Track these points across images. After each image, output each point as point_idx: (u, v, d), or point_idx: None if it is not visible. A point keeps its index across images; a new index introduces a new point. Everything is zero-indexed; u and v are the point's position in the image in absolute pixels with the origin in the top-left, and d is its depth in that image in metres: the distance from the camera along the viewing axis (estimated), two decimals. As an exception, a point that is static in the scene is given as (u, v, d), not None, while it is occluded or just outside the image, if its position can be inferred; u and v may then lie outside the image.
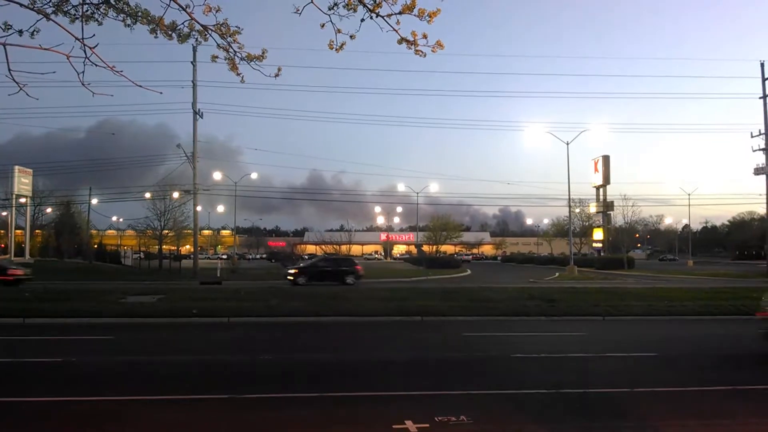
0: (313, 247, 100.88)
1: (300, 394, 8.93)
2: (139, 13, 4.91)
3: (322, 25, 4.92)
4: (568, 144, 49.46)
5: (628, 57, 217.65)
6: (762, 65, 47.96)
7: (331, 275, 34.43)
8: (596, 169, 76.90)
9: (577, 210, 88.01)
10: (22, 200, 64.06)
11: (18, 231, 69.17)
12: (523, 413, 7.97)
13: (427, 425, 7.16)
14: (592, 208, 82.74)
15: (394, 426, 7.13)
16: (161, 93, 6.19)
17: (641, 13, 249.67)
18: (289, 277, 34.52)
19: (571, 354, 12.70)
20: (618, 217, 77.16)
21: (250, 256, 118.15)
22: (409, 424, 7.16)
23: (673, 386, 9.64)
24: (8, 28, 4.54)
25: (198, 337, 15.28)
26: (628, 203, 72.34)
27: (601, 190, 77.98)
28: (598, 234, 77.97)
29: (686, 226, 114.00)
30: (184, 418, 7.77)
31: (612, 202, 76.47)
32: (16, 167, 60.54)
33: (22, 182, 61.02)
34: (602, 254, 75.17)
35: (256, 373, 10.70)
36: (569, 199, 54.81)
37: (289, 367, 11.18)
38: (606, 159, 75.74)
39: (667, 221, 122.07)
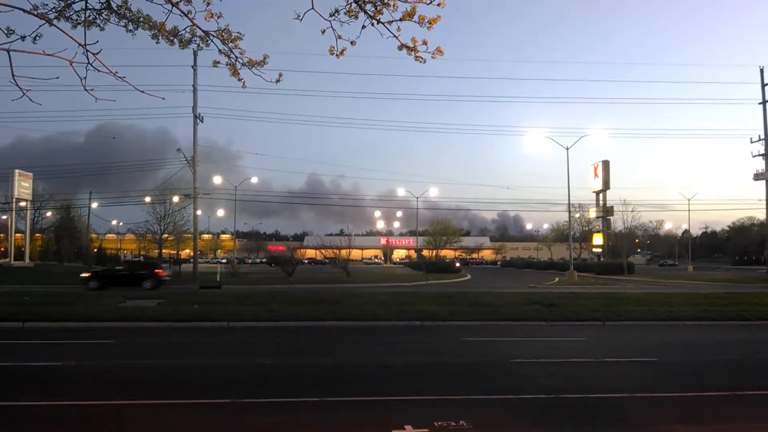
0: (313, 251, 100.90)
1: (300, 398, 8.93)
2: (141, 19, 4.94)
3: (323, 31, 4.94)
4: (567, 149, 49.51)
5: (628, 62, 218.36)
6: (762, 71, 48.10)
7: (127, 279, 33.25)
8: (596, 174, 76.92)
9: (577, 215, 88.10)
10: (22, 204, 64.05)
11: (18, 235, 69.14)
12: (522, 418, 7.98)
13: (427, 430, 7.16)
14: (592, 213, 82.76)
15: (393, 431, 7.13)
16: (164, 98, 6.21)
17: (641, 19, 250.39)
18: (82, 281, 33.62)
19: (570, 359, 12.70)
20: (618, 222, 77.09)
21: (250, 261, 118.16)
22: (408, 428, 7.16)
23: (672, 391, 9.65)
24: (11, 33, 4.57)
25: (198, 341, 15.27)
26: (628, 208, 72.28)
27: (600, 195, 78.02)
28: (597, 239, 77.95)
29: (686, 232, 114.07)
30: (185, 422, 7.78)
31: (612, 207, 76.49)
32: (17, 171, 60.54)
33: (23, 186, 61.05)
34: (602, 259, 75.11)
35: (256, 377, 10.70)
36: (569, 204, 54.79)
37: (289, 372, 11.19)
38: (606, 164, 75.77)
39: (667, 226, 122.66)
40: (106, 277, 34.08)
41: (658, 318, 19.69)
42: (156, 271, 34.82)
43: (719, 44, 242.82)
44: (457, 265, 68.98)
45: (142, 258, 61.25)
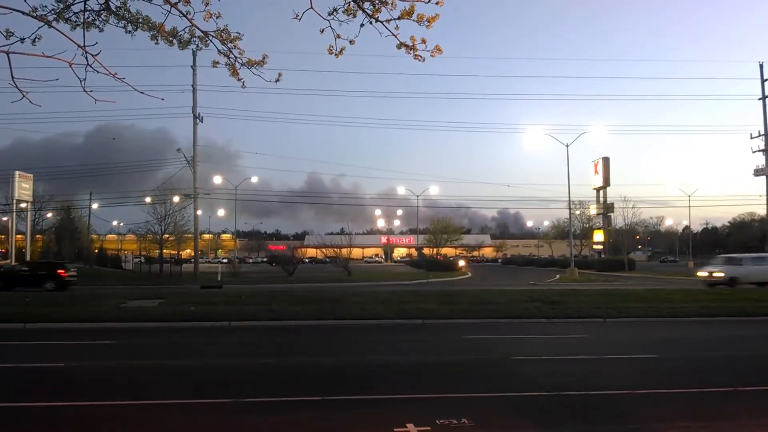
0: (314, 250, 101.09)
1: (301, 397, 8.94)
2: (140, 20, 4.94)
3: (322, 31, 4.94)
4: (567, 146, 49.56)
5: (628, 59, 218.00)
6: (761, 66, 48.09)
7: (28, 280, 32.41)
8: (596, 171, 76.89)
9: (578, 212, 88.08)
10: (23, 205, 64.01)
11: (19, 236, 69.15)
12: (524, 416, 7.99)
13: (429, 428, 7.17)
14: (593, 210, 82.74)
15: (395, 429, 7.14)
16: (163, 99, 6.21)
17: (641, 16, 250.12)
18: None
19: (571, 356, 12.71)
20: (618, 219, 77.16)
21: (251, 260, 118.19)
22: (410, 427, 7.17)
23: (673, 388, 9.65)
24: (10, 36, 4.57)
25: (199, 341, 15.29)
26: (629, 205, 72.37)
27: (601, 192, 77.99)
28: (598, 236, 77.97)
29: (686, 228, 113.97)
30: (187, 422, 7.79)
31: (612, 204, 76.46)
32: (17, 172, 60.45)
33: (23, 187, 60.95)
34: (603, 256, 75.20)
35: (257, 377, 10.72)
36: (569, 201, 54.84)
37: (291, 371, 11.20)
38: (606, 161, 75.71)
39: (668, 223, 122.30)
40: (6, 277, 32.95)
41: (659, 314, 19.71)
42: (58, 271, 33.53)
43: (719, 42, 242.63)
44: (463, 263, 68.75)
45: (142, 259, 61.12)
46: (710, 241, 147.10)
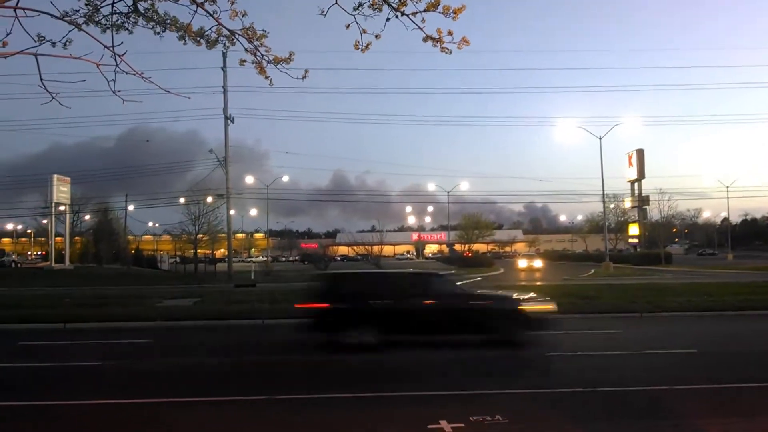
0: (345, 248, 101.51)
1: (335, 394, 8.96)
2: (168, 21, 4.99)
3: (348, 26, 4.92)
4: (600, 138, 48.79)
5: (663, 49, 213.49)
6: (801, 52, 46.62)
7: None
8: (630, 164, 75.42)
9: (612, 205, 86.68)
10: (61, 208, 65.53)
11: (58, 238, 70.80)
12: (559, 413, 7.87)
13: (462, 425, 7.11)
14: (627, 203, 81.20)
15: (429, 426, 7.10)
16: (189, 98, 6.27)
17: (675, 6, 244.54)
18: None
19: (607, 352, 12.50)
20: (654, 212, 75.66)
21: (284, 258, 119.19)
22: (444, 423, 7.13)
23: (713, 383, 9.42)
24: (42, 40, 4.65)
25: (234, 339, 15.44)
26: (665, 197, 70.92)
27: (635, 184, 76.47)
28: (633, 229, 76.47)
29: (725, 220, 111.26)
30: (223, 418, 7.87)
31: (647, 197, 74.92)
32: (55, 176, 61.87)
33: (61, 190, 62.36)
34: (638, 250, 73.75)
35: (291, 374, 10.78)
36: (603, 194, 54.10)
37: (324, 368, 11.23)
38: (640, 153, 74.24)
39: (705, 215, 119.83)
40: None
41: (697, 309, 19.29)
42: None
43: (756, 30, 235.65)
44: (539, 263, 63.02)
45: (177, 259, 62.04)
46: (750, 233, 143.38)
